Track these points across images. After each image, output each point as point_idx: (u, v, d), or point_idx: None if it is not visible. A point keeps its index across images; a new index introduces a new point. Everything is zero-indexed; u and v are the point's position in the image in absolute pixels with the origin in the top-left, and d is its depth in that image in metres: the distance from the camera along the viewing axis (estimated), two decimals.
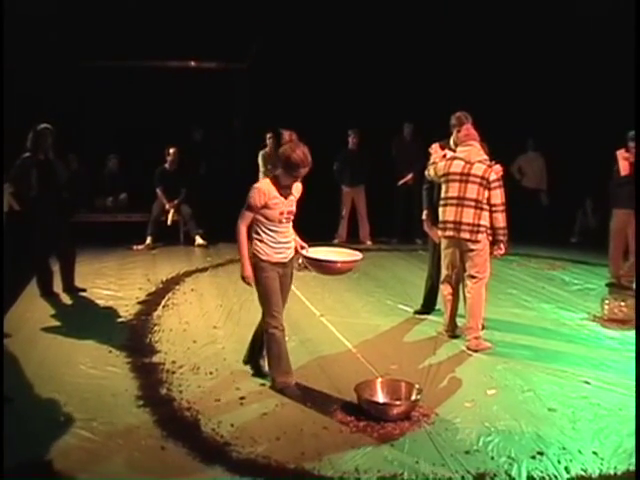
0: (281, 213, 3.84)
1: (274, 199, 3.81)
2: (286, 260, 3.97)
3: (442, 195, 4.91)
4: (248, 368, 4.30)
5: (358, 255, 4.22)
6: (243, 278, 3.93)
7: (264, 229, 3.87)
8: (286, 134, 3.85)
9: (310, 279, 6.41)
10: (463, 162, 4.79)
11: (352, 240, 9.35)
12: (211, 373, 4.29)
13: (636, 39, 6.57)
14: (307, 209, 4.21)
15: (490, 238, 4.79)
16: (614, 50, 8.50)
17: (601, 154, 8.93)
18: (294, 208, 3.95)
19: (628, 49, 6.98)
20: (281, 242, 3.91)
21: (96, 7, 8.78)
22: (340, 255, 4.24)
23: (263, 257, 3.88)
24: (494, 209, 4.73)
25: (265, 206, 3.80)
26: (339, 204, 9.38)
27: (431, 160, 5.18)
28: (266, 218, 3.84)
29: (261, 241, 3.88)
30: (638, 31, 6.58)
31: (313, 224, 6.16)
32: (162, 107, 9.46)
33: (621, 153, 6.53)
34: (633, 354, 4.73)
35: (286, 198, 3.87)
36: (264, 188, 3.82)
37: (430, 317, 5.61)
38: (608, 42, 8.66)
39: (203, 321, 5.49)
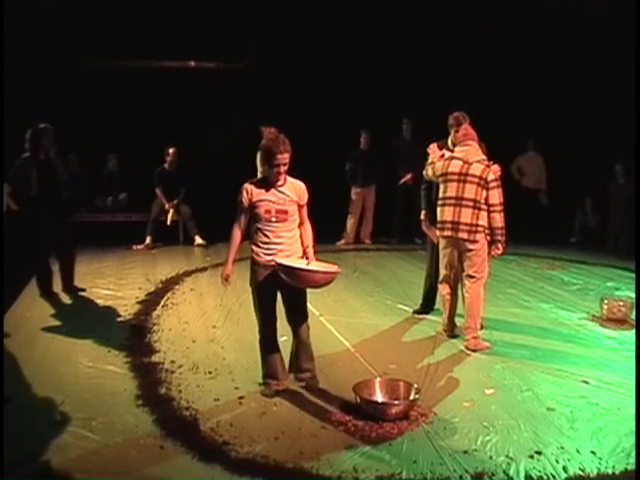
0: (267, 211, 3.77)
1: (260, 196, 3.78)
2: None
3: (440, 195, 4.91)
4: (247, 368, 4.30)
5: (335, 268, 3.89)
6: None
7: (256, 229, 3.85)
8: (266, 131, 3.80)
9: None
10: (461, 162, 4.79)
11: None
12: (210, 373, 4.29)
13: (636, 39, 6.58)
14: (312, 209, 4.17)
15: (488, 238, 4.80)
16: (614, 50, 8.51)
17: (600, 154, 8.96)
18: (288, 208, 3.79)
19: (628, 49, 6.99)
20: (272, 242, 3.80)
21: (96, 7, 8.79)
22: (316, 267, 3.90)
23: (255, 257, 3.86)
24: (492, 209, 4.73)
25: (252, 205, 3.78)
26: (348, 204, 9.31)
27: (429, 160, 5.18)
28: (256, 217, 3.81)
29: (254, 242, 3.87)
30: (638, 31, 6.59)
31: (318, 223, 6.12)
32: (161, 107, 9.46)
33: None
34: (632, 354, 4.74)
35: (275, 196, 3.78)
36: (249, 187, 3.81)
37: (429, 317, 5.62)
38: (608, 42, 8.66)
39: (202, 321, 5.49)
